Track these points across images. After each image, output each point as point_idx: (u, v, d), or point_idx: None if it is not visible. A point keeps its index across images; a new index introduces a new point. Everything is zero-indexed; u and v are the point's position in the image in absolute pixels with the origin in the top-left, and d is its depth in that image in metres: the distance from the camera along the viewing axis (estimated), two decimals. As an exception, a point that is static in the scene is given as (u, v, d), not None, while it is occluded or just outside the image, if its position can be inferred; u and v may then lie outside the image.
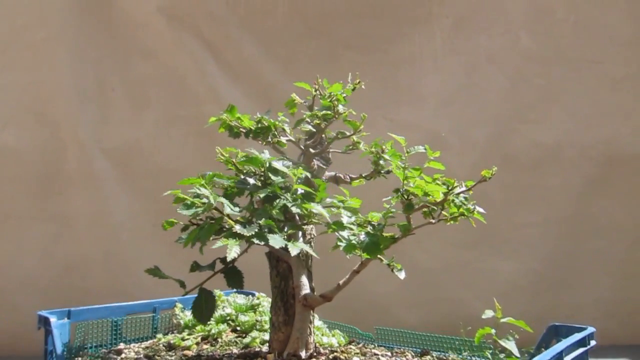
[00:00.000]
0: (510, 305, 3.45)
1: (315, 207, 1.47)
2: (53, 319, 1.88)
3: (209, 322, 1.95)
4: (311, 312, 1.65)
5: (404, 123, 3.49)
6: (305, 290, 1.61)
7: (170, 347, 1.97)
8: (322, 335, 2.02)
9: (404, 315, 3.46)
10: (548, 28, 3.58)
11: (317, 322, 2.09)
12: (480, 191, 1.58)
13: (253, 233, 1.40)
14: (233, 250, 1.36)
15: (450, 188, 1.50)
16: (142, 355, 1.87)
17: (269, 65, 3.54)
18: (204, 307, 1.52)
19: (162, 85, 3.51)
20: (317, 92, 1.79)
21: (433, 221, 1.55)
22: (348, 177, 1.86)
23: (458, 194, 1.52)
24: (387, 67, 3.55)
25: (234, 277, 1.57)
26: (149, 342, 2.07)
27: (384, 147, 1.70)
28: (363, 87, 1.82)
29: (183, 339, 2.01)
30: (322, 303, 1.61)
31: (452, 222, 1.55)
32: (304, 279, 1.64)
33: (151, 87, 3.51)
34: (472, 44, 3.59)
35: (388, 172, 1.66)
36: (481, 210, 1.55)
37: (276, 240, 1.39)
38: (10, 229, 3.42)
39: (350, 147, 1.84)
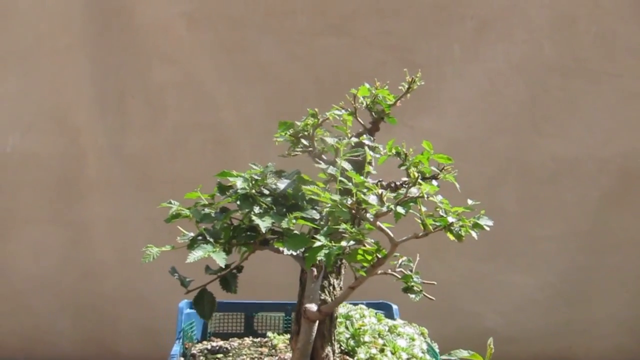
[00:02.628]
0: (526, 320, 3.48)
1: (260, 222, 1.50)
2: (181, 306, 2.14)
3: None
4: (316, 324, 1.64)
5: (424, 130, 3.44)
6: (310, 302, 1.62)
7: (272, 345, 2.11)
8: (396, 352, 1.94)
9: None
10: (569, 38, 3.54)
11: (400, 342, 2.02)
12: (497, 204, 1.57)
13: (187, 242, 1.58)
14: (151, 255, 1.63)
15: (379, 195, 1.40)
16: (221, 344, 2.10)
17: (289, 66, 3.52)
18: (205, 305, 1.67)
19: (181, 92, 3.52)
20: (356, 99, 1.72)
21: (420, 234, 1.45)
22: (394, 183, 1.70)
23: (401, 202, 1.41)
24: (409, 69, 3.52)
25: (227, 281, 1.67)
26: (266, 338, 2.21)
27: (405, 151, 1.60)
28: (419, 83, 1.78)
29: (274, 337, 2.15)
30: (320, 317, 1.63)
31: (457, 237, 1.43)
32: (313, 291, 1.65)
33: (170, 93, 3.53)
34: (494, 51, 3.54)
35: (435, 177, 1.55)
36: (488, 222, 1.45)
37: (198, 249, 1.52)
38: (29, 233, 3.46)
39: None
